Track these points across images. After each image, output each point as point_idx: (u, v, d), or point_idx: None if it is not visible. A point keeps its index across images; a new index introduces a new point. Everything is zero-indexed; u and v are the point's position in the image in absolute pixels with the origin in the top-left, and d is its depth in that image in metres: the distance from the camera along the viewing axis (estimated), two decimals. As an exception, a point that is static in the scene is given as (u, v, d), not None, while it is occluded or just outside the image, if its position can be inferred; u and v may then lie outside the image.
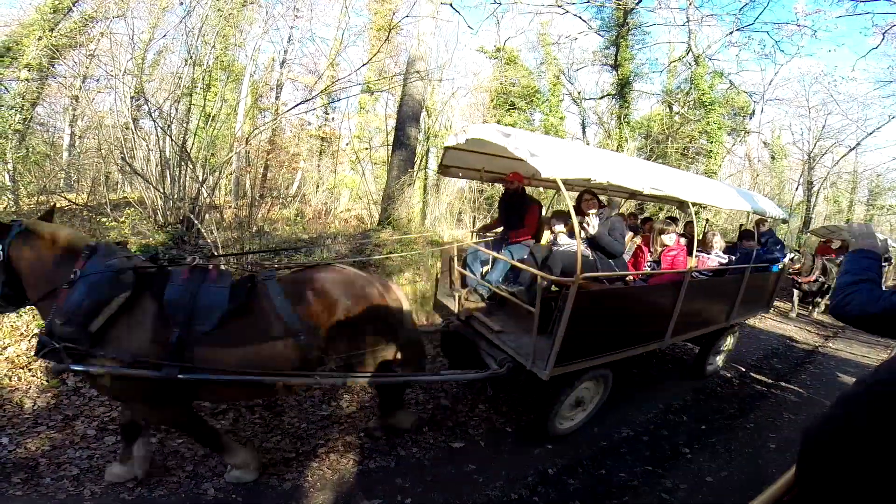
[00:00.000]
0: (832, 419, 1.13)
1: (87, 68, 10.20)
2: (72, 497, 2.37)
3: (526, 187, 4.45)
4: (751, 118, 16.62)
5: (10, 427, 2.82)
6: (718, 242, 4.72)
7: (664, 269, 3.97)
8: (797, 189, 20.01)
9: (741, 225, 6.43)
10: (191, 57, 7.51)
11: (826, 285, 8.64)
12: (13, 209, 6.69)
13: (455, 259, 4.10)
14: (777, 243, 5.42)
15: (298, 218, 9.82)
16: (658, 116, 15.84)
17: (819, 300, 9.13)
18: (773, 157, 19.55)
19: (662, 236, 4.18)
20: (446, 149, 3.80)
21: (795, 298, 9.00)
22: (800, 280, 8.49)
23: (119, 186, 9.92)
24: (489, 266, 4.06)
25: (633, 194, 5.13)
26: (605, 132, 16.60)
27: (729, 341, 4.96)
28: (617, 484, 2.90)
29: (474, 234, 4.74)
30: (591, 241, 3.60)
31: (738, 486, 2.95)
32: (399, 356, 2.79)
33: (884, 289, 1.29)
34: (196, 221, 6.23)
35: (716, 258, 4.64)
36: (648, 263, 4.30)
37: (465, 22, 14.77)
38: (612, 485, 2.89)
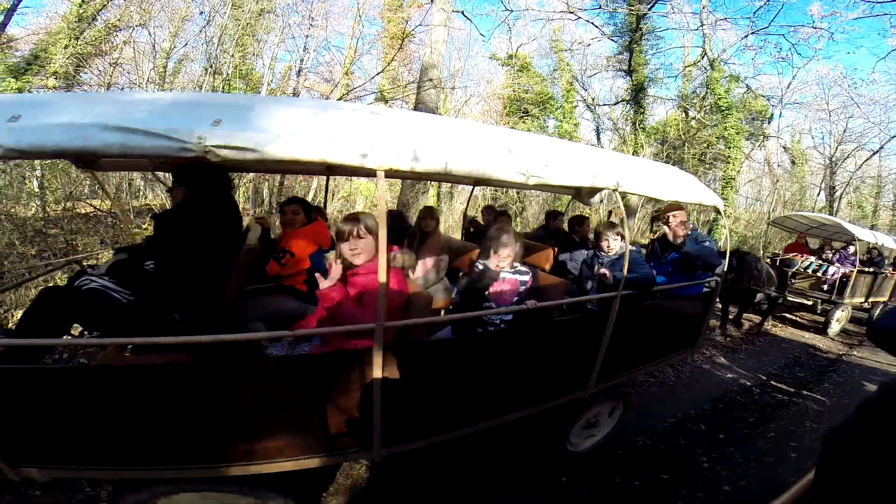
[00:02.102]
0: (855, 424, 1.10)
1: (111, 76, 10.53)
2: (89, 498, 2.40)
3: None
4: (769, 122, 16.35)
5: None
6: (508, 243, 2.48)
7: (324, 307, 1.97)
8: (819, 194, 19.62)
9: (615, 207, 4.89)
10: (210, 66, 7.72)
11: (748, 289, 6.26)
12: (41, 215, 6.91)
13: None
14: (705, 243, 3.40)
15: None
16: (674, 122, 15.72)
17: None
18: (793, 162, 19.18)
19: (345, 233, 2.00)
20: None
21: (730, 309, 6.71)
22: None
23: (141, 193, 10.18)
24: None
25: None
26: (620, 138, 16.51)
27: (608, 412, 3.27)
28: (632, 492, 2.86)
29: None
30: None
31: (756, 495, 2.88)
32: None
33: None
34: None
35: (514, 276, 2.53)
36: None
37: (477, 30, 14.81)
38: (627, 493, 2.84)
